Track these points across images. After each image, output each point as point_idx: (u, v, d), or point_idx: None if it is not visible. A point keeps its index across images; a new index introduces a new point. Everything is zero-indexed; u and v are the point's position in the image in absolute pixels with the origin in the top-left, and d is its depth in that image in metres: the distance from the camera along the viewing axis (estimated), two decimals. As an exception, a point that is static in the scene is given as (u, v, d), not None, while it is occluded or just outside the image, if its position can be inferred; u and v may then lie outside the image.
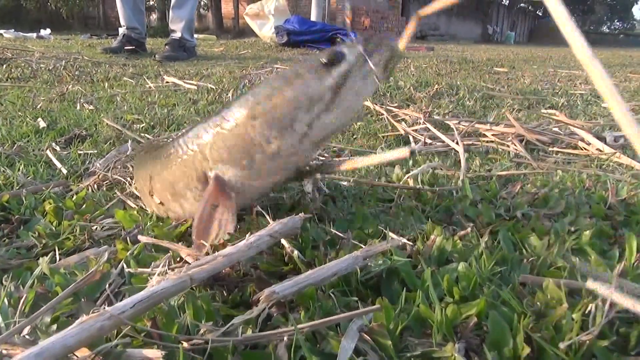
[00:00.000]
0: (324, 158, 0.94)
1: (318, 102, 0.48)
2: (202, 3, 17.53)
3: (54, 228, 0.57)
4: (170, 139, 0.62)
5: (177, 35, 3.50)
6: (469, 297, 0.38)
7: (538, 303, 0.36)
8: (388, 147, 1.14)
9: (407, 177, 0.67)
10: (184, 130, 0.61)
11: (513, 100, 1.77)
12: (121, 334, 0.32)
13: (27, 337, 0.34)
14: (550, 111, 1.64)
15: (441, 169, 0.75)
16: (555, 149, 1.10)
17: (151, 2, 17.78)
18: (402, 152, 0.46)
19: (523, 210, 0.58)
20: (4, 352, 0.32)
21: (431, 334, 0.34)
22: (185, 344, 0.31)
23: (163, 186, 0.57)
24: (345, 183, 0.69)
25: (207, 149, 0.51)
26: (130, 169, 0.80)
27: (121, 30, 3.58)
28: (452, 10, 25.74)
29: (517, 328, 0.33)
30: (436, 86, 1.83)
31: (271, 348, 0.32)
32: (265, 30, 6.77)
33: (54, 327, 0.34)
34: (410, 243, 0.46)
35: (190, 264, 0.39)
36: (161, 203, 0.58)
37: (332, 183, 0.70)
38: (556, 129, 1.27)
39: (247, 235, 0.42)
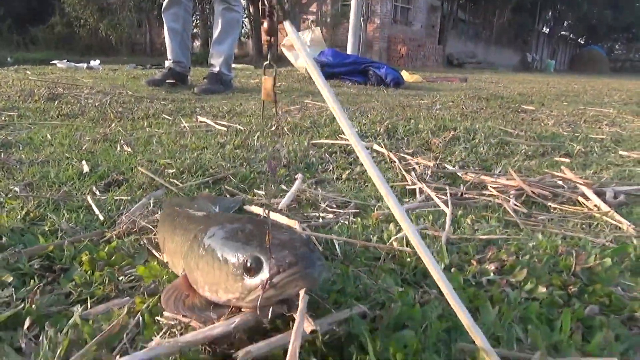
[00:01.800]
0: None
1: (231, 293, 0.52)
2: (243, 32, 18.21)
3: (88, 277, 0.68)
4: (182, 216, 0.73)
5: (216, 69, 3.75)
6: (411, 362, 0.46)
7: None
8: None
9: (393, 240, 0.76)
10: (190, 217, 0.72)
11: (528, 147, 1.82)
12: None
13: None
14: (562, 159, 1.69)
15: (427, 230, 0.83)
16: (554, 205, 1.16)
17: (194, 30, 18.59)
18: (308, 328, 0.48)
19: (489, 277, 0.66)
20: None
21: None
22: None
23: (168, 253, 0.70)
24: (336, 242, 0.78)
25: (183, 257, 0.62)
26: (156, 220, 0.92)
27: (167, 63, 3.86)
28: (491, 38, 25.66)
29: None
30: (452, 132, 1.90)
31: (241, 399, 0.41)
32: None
33: (81, 371, 0.45)
34: (369, 312, 0.55)
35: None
36: (167, 262, 0.71)
37: (326, 239, 0.80)
38: (560, 182, 1.33)
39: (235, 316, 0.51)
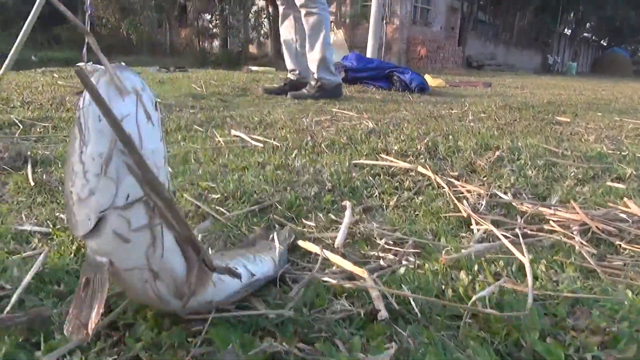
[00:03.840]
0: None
1: None
2: (262, 31, 18.22)
3: (155, 336, 0.64)
4: None
5: (315, 76, 3.80)
6: None
7: None
8: (451, 230, 1.17)
9: (475, 299, 0.70)
10: None
11: (577, 170, 1.74)
12: None
13: None
14: (615, 185, 1.61)
15: (506, 284, 0.77)
16: (623, 244, 1.09)
17: (214, 30, 18.65)
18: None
19: (593, 352, 0.60)
20: None
21: None
22: None
23: None
24: (413, 300, 0.73)
25: None
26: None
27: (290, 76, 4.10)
28: (511, 40, 25.35)
29: None
30: (497, 152, 1.83)
31: None
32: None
33: None
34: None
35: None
36: None
37: (400, 294, 0.75)
38: (623, 215, 1.26)
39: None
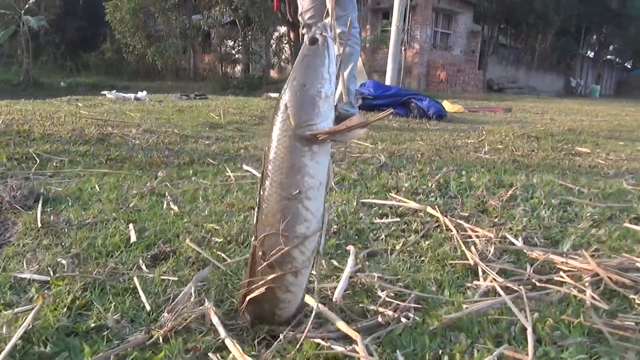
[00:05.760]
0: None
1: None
2: (282, 57, 18.52)
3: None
4: None
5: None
6: None
7: None
8: (456, 280, 1.13)
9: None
10: None
11: (594, 209, 1.69)
12: None
13: None
14: (633, 227, 1.54)
15: (507, 351, 0.74)
16: (637, 298, 1.04)
17: (236, 56, 19.04)
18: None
19: None
20: None
21: None
22: None
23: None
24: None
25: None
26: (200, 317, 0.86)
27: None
28: (532, 63, 25.19)
29: None
30: (510, 190, 1.79)
31: None
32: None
33: None
34: None
35: None
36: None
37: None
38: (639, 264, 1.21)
39: None
